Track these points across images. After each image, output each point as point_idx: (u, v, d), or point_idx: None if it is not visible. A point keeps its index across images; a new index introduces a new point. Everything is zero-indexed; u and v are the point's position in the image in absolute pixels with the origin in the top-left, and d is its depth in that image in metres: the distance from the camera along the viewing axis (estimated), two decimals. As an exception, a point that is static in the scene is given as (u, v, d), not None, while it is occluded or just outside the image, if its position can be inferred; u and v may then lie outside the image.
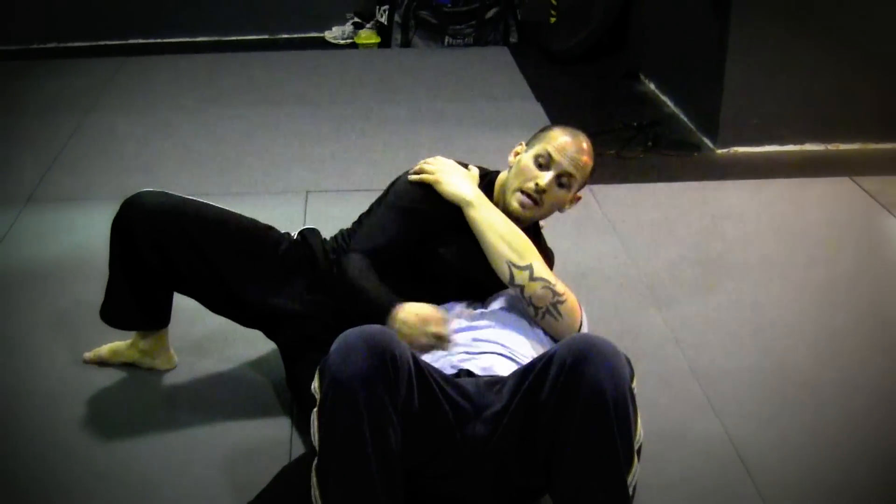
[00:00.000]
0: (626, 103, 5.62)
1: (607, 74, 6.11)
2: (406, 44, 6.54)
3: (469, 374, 2.49)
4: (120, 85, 5.98)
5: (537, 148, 2.75)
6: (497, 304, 2.82)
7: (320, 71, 6.12)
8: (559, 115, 5.24)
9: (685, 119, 5.30)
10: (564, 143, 2.73)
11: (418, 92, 5.71)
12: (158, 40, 6.88)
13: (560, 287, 2.67)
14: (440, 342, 2.55)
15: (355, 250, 2.73)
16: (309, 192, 4.36)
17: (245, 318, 2.95)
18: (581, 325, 2.74)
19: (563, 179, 2.74)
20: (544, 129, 2.83)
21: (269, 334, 2.96)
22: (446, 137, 4.92)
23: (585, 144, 2.78)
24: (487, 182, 2.86)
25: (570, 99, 5.68)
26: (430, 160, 2.82)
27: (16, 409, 2.96)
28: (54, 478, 2.66)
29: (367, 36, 6.65)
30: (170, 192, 2.86)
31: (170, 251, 2.78)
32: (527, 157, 2.76)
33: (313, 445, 2.21)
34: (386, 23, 6.56)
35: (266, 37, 6.93)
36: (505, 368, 2.49)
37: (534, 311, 2.68)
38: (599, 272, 3.69)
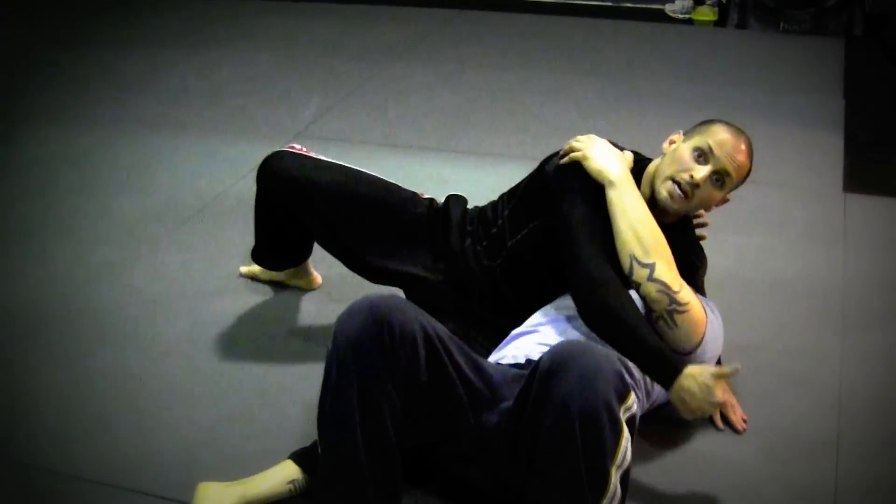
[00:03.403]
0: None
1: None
2: (742, 25, 6.24)
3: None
4: (442, 36, 6.17)
5: (696, 140, 2.56)
6: None
7: (635, 44, 5.99)
8: (863, 116, 4.83)
9: None
10: (725, 139, 2.54)
11: (719, 74, 5.44)
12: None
13: (683, 296, 2.46)
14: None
15: (599, 260, 2.49)
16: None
17: (372, 277, 3.00)
18: (702, 340, 2.52)
19: (718, 177, 2.54)
20: (706, 122, 2.62)
21: (405, 293, 2.98)
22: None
23: (745, 146, 2.57)
24: (639, 168, 2.69)
25: (888, 101, 5.16)
26: (580, 137, 2.67)
27: (165, 312, 3.27)
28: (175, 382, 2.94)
29: (704, 13, 6.41)
30: (307, 154, 2.94)
31: (297, 213, 2.92)
32: (684, 147, 2.57)
33: None
34: (725, 1, 6.30)
35: (609, 4, 6.84)
36: None
37: (648, 312, 2.51)
38: (798, 284, 3.40)
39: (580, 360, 2.02)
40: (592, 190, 2.55)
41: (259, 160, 2.98)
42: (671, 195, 2.54)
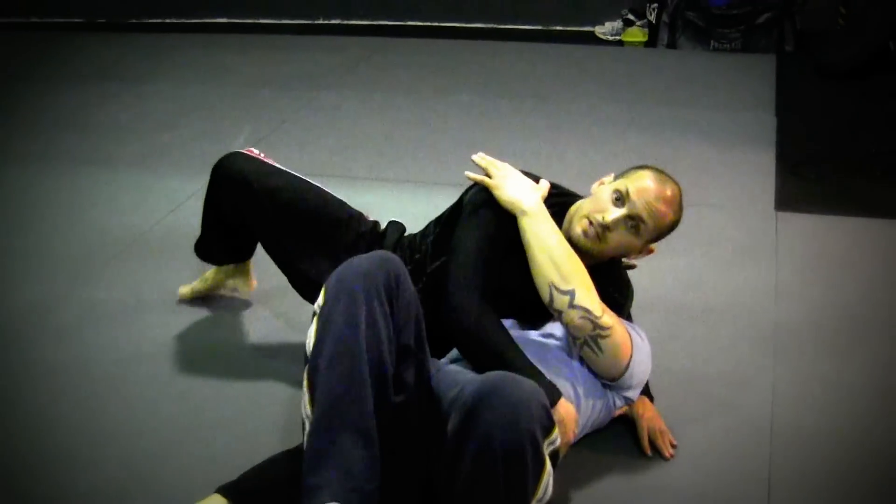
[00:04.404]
0: (888, 127, 5.06)
1: (883, 93, 5.52)
2: (672, 45, 6.28)
3: None
4: (372, 64, 6.16)
5: (618, 183, 2.55)
6: (540, 332, 2.67)
7: (565, 66, 6.00)
8: (794, 133, 4.87)
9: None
10: (646, 185, 2.52)
11: (650, 94, 5.47)
12: (435, 24, 6.99)
13: (606, 320, 2.45)
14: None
15: (467, 288, 2.52)
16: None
17: (303, 290, 2.99)
18: (629, 364, 2.51)
19: (632, 222, 2.52)
20: (637, 167, 2.62)
21: None
22: (650, 144, 4.67)
23: (670, 193, 2.54)
24: (562, 203, 2.67)
25: (820, 116, 5.22)
26: (497, 164, 2.65)
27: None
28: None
29: (634, 34, 6.45)
30: (263, 160, 2.98)
31: (245, 213, 2.96)
32: (606, 189, 2.57)
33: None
34: (654, 22, 6.33)
35: (539, 28, 6.86)
36: None
37: (573, 340, 2.50)
38: (730, 306, 3.39)
39: (506, 392, 2.00)
40: (498, 220, 2.56)
41: (190, 193, 3.02)
42: (585, 233, 2.53)
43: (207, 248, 3.26)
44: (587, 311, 2.43)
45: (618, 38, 6.53)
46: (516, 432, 1.97)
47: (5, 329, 3.32)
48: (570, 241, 2.55)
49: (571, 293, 2.43)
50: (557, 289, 2.45)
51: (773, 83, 5.58)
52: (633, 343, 2.53)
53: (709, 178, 4.33)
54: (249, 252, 3.27)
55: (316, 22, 7.16)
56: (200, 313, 3.37)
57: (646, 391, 2.76)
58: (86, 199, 4.36)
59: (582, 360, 2.54)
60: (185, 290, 3.43)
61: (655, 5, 6.28)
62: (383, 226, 2.98)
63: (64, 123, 5.29)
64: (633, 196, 2.50)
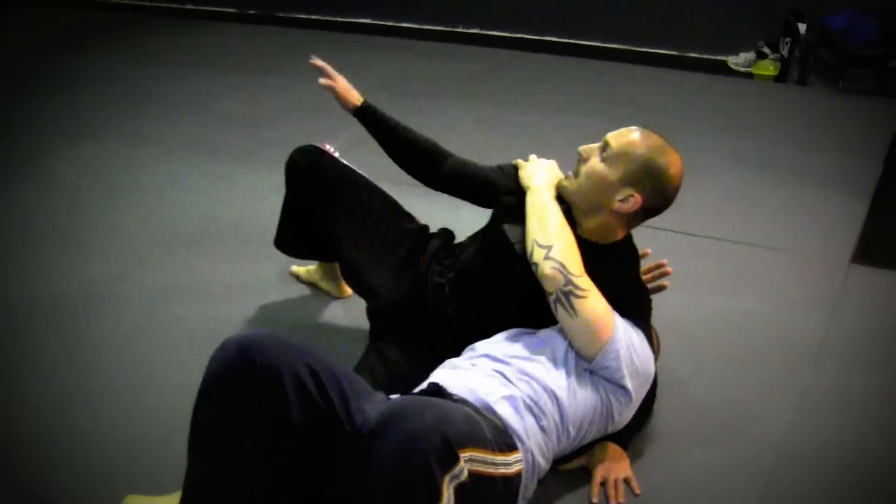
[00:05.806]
0: None
1: None
2: (802, 81, 6.08)
3: (437, 389, 2.42)
4: (497, 78, 6.20)
5: None
6: (537, 336, 2.69)
7: (692, 94, 5.85)
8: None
9: None
10: (622, 128, 2.68)
11: (761, 129, 5.29)
12: (573, 41, 6.97)
13: (582, 282, 2.52)
14: None
15: None
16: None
17: (348, 279, 3.21)
18: (611, 342, 2.51)
19: (602, 151, 2.65)
20: None
21: (368, 302, 3.13)
22: (746, 180, 4.61)
23: (641, 133, 2.66)
24: None
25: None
26: (540, 160, 2.89)
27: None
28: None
29: (765, 67, 6.27)
30: (332, 154, 3.16)
31: (308, 200, 3.15)
32: None
33: None
34: (786, 56, 6.15)
35: (675, 53, 6.75)
36: (491, 387, 2.45)
37: (547, 297, 2.55)
38: (770, 354, 3.31)
39: (401, 424, 2.02)
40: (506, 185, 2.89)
41: (273, 189, 3.43)
42: (566, 175, 2.76)
43: (282, 238, 3.38)
44: (562, 264, 2.52)
45: (748, 69, 6.37)
46: (406, 465, 1.98)
47: (62, 302, 3.57)
48: (559, 198, 2.74)
49: (549, 247, 2.55)
50: (538, 243, 2.57)
51: (891, 130, 5.30)
52: (617, 326, 2.54)
53: (791, 221, 4.22)
54: (326, 252, 3.36)
55: (455, 30, 7.22)
56: (257, 301, 3.56)
57: (620, 438, 2.74)
58: (178, 184, 4.59)
59: (569, 351, 2.56)
60: (298, 269, 3.67)
61: (789, 40, 6.10)
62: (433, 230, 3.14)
63: (182, 109, 5.55)
64: (606, 136, 2.66)
